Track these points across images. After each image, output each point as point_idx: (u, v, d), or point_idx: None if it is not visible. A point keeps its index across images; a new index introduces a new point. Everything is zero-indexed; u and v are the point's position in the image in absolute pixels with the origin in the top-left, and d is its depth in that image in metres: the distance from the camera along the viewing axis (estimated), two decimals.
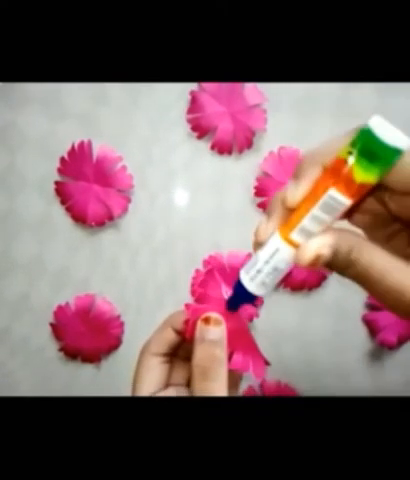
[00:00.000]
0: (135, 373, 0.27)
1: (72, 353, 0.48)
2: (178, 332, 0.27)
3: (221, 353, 0.25)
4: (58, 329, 0.47)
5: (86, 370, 0.49)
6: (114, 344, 0.48)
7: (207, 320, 0.26)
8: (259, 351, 0.27)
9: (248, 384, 0.46)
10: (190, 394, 0.26)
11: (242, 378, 0.30)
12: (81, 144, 0.43)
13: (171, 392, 0.28)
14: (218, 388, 0.25)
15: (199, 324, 0.26)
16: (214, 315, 0.26)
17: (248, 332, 0.27)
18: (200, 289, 0.28)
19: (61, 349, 0.48)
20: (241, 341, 0.27)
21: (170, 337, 0.27)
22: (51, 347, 0.48)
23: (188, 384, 0.29)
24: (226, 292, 0.27)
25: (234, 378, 0.28)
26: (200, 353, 0.25)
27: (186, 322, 0.27)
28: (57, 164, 0.45)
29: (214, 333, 0.25)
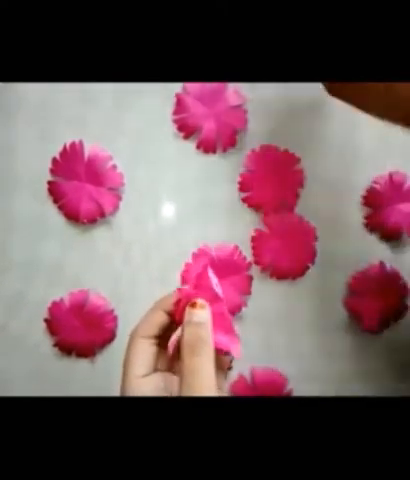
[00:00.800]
0: (125, 357, 0.29)
1: (67, 348, 0.49)
2: (168, 314, 0.30)
3: (206, 333, 0.27)
4: (53, 325, 0.49)
5: (81, 365, 0.50)
6: (108, 338, 0.49)
7: (194, 305, 0.28)
8: (236, 334, 0.30)
9: (238, 372, 0.48)
10: (178, 375, 0.28)
11: (232, 366, 0.32)
12: (73, 144, 0.46)
13: (158, 377, 0.29)
14: (206, 363, 0.27)
15: (187, 308, 0.28)
16: (200, 300, 0.29)
17: (229, 316, 0.30)
18: (193, 279, 0.30)
19: (56, 344, 0.49)
20: (222, 324, 0.29)
21: (161, 319, 0.30)
22: (46, 343, 0.49)
23: (170, 369, 0.31)
24: (216, 284, 0.30)
25: (221, 362, 0.30)
26: (188, 334, 0.27)
27: (177, 303, 0.29)
28: (49, 165, 0.47)
29: (200, 316, 0.28)
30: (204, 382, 0.26)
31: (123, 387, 0.28)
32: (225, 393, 0.30)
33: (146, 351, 0.29)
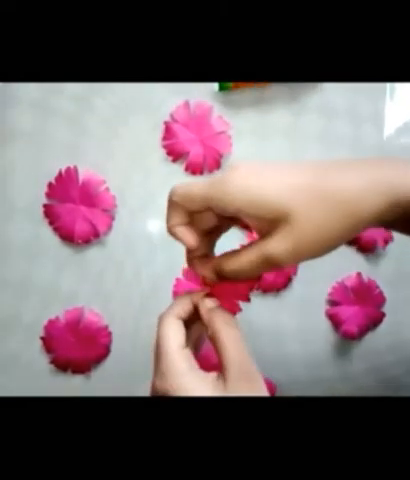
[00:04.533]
0: (159, 334, 0.31)
1: (63, 365, 0.51)
2: (194, 305, 0.33)
3: (228, 313, 0.31)
4: (49, 342, 0.50)
5: (76, 381, 0.51)
6: (103, 353, 0.51)
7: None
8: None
9: None
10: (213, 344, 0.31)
11: None
12: (68, 169, 0.48)
13: (189, 351, 0.31)
14: (238, 335, 0.30)
15: (200, 305, 0.32)
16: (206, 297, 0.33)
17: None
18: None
19: (52, 361, 0.51)
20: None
21: (188, 306, 0.33)
22: (42, 360, 0.51)
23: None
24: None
25: None
26: (216, 316, 0.31)
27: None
28: (45, 189, 0.49)
29: (211, 302, 0.32)
30: (240, 353, 0.29)
31: (159, 361, 0.30)
32: None
33: (180, 328, 0.31)
